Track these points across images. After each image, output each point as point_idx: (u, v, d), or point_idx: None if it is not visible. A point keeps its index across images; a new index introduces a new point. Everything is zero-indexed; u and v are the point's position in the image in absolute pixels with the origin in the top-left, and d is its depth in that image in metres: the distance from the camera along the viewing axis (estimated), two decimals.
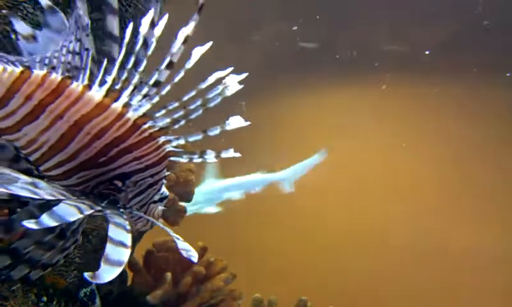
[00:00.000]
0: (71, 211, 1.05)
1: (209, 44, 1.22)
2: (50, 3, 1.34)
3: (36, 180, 1.12)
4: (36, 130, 1.21)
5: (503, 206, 4.82)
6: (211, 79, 1.24)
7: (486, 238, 4.73)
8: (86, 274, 1.02)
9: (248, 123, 1.27)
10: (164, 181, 1.40)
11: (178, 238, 1.14)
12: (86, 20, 1.22)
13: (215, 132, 1.27)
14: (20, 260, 1.24)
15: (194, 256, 1.11)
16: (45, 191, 1.08)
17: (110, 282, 2.45)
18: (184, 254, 1.11)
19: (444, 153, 5.08)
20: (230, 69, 1.26)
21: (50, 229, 1.23)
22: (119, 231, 1.09)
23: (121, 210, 1.22)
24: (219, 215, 4.33)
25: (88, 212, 1.09)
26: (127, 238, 1.08)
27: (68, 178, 1.26)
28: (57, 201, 1.06)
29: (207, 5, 1.39)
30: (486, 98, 5.01)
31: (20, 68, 1.20)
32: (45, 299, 1.90)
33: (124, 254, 1.05)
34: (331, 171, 5.21)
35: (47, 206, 1.11)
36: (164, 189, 1.41)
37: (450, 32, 5.00)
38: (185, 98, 1.27)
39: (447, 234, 4.86)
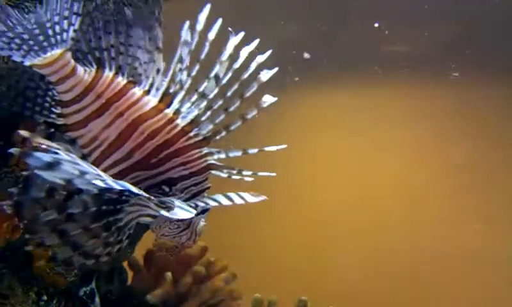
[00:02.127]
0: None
1: (256, 41, 1.35)
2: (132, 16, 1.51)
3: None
4: (99, 126, 1.35)
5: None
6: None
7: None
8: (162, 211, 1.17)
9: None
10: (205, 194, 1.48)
11: None
12: (159, 44, 1.42)
13: (254, 151, 1.39)
14: (67, 241, 1.29)
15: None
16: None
17: (109, 281, 2.44)
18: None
19: (451, 155, 5.08)
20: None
21: (97, 218, 1.30)
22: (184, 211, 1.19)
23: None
24: (220, 215, 4.32)
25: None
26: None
27: (122, 179, 1.32)
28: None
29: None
30: (487, 99, 5.01)
31: (95, 68, 1.37)
32: (45, 297, 1.90)
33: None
34: (332, 171, 5.21)
35: (100, 197, 1.26)
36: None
37: (452, 32, 5.00)
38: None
39: (455, 236, 4.85)
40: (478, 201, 4.90)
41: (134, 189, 1.16)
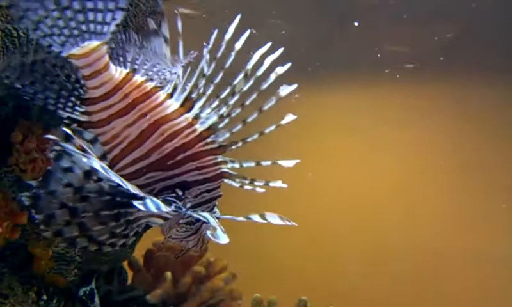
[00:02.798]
0: (157, 204, 1.19)
1: (280, 50, 1.39)
2: (155, 27, 1.61)
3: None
4: (122, 124, 1.39)
5: None
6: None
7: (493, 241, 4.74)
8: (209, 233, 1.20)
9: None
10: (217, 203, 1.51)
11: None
12: (183, 60, 1.50)
13: (267, 163, 1.42)
14: (76, 221, 1.32)
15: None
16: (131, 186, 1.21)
17: (109, 282, 2.44)
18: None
19: (451, 155, 5.08)
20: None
21: (109, 206, 1.34)
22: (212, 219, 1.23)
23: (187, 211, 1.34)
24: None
25: (165, 208, 1.21)
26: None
27: (138, 178, 1.40)
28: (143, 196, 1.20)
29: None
30: (487, 98, 5.01)
31: (127, 70, 1.43)
32: (45, 297, 1.90)
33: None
34: (332, 171, 5.21)
35: (117, 188, 1.29)
36: (216, 211, 1.51)
37: (455, 33, 5.00)
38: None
39: (455, 236, 4.85)
40: (478, 200, 4.90)
41: (163, 207, 1.20)
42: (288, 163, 1.43)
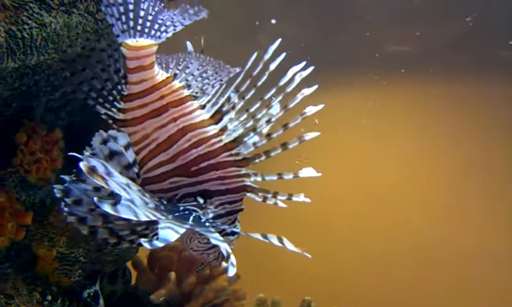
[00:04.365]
0: (169, 233, 1.17)
1: (303, 63, 1.47)
2: (192, 49, 1.67)
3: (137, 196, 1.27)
4: (153, 125, 1.44)
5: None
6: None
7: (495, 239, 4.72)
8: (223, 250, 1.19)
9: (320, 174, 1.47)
10: (238, 217, 1.55)
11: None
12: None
13: (289, 176, 1.45)
14: (101, 212, 1.37)
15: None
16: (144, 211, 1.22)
17: (112, 282, 2.45)
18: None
19: (455, 155, 5.06)
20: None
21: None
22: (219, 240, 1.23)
23: (206, 223, 1.35)
24: None
25: (181, 230, 1.20)
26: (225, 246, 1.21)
27: (162, 181, 1.45)
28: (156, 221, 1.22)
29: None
30: (488, 98, 5.00)
31: (169, 74, 1.50)
32: (49, 297, 1.90)
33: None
34: (333, 171, 5.20)
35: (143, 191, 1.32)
36: (237, 225, 1.56)
37: (456, 33, 4.99)
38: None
39: (455, 236, 4.84)
40: (479, 200, 4.89)
41: (180, 229, 1.19)
42: (310, 173, 1.48)
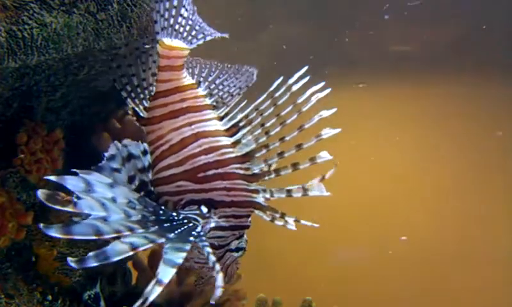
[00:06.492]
0: (122, 248, 1.16)
1: (321, 84, 1.46)
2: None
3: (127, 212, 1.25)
4: (169, 127, 1.47)
5: None
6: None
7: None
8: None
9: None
10: (245, 234, 1.52)
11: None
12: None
13: (297, 194, 1.45)
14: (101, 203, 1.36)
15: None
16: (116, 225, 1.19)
17: (112, 283, 2.44)
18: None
19: (455, 155, 5.06)
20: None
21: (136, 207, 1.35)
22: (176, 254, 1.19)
23: (194, 238, 1.30)
24: None
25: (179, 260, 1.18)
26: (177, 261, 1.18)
27: (170, 183, 1.45)
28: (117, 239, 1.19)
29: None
30: (490, 98, 5.00)
31: (194, 81, 1.54)
32: (50, 297, 1.90)
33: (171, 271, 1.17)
34: (336, 172, 5.19)
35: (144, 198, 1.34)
36: (242, 242, 1.52)
37: (457, 33, 4.99)
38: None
39: (455, 236, 4.84)
40: (479, 200, 4.89)
41: (182, 254, 1.19)
42: (319, 192, 1.47)
